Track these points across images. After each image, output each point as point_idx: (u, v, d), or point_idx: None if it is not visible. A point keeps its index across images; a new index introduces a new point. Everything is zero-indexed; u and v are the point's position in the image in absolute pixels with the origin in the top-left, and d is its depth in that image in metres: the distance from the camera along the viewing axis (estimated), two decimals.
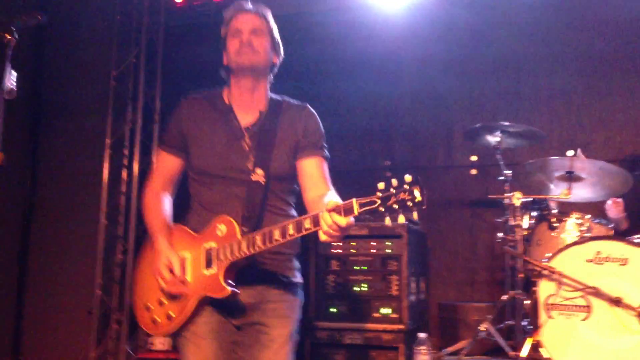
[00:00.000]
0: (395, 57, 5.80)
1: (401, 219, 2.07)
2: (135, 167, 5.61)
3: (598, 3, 5.40)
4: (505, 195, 4.31)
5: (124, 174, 5.63)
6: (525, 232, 4.26)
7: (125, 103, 5.70)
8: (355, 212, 2.07)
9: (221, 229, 2.39)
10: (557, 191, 4.26)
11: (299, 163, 2.57)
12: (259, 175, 2.47)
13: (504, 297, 4.25)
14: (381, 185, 2.06)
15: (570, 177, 4.17)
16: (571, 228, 4.21)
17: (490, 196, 4.49)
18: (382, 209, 2.04)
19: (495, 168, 4.49)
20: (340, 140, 5.72)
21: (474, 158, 4.66)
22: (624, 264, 3.57)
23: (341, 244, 4.76)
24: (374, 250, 4.76)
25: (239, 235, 2.34)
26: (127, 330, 5.37)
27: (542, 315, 3.68)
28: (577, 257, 3.68)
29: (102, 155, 5.60)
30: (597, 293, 3.56)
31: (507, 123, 4.41)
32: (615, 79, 5.41)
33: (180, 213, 2.64)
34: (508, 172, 4.38)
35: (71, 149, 5.83)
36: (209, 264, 2.39)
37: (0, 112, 2.23)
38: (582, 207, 4.43)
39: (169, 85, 5.80)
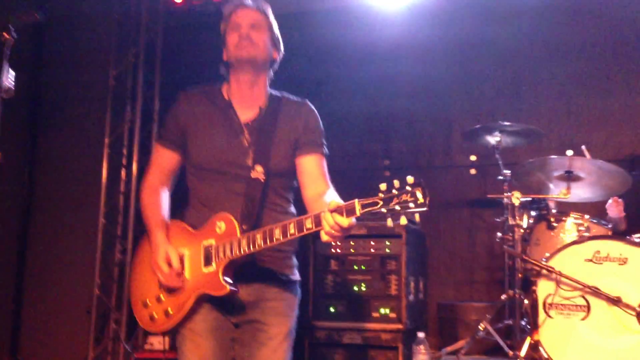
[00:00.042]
0: (395, 56, 5.80)
1: (403, 220, 2.07)
2: (134, 167, 5.60)
3: (598, 3, 5.40)
4: (504, 195, 4.30)
5: (123, 173, 5.63)
6: (524, 232, 4.26)
7: (124, 102, 5.69)
8: (358, 213, 2.07)
9: (220, 226, 2.38)
10: (556, 191, 4.26)
11: (298, 160, 2.56)
12: (258, 172, 2.46)
13: (503, 297, 4.24)
14: (383, 186, 2.05)
15: (569, 177, 4.17)
16: (570, 228, 4.21)
17: (489, 196, 4.49)
18: (384, 210, 2.04)
19: (495, 168, 4.49)
20: (340, 139, 5.72)
21: (473, 158, 4.65)
22: (623, 264, 3.57)
23: (340, 243, 4.76)
24: (373, 250, 4.76)
25: (238, 234, 2.33)
26: (126, 330, 5.36)
27: (541, 315, 3.68)
28: (576, 257, 3.68)
29: (101, 155, 5.59)
30: (596, 292, 3.56)
31: (506, 123, 4.40)
32: (615, 78, 5.41)
33: (178, 207, 2.63)
34: (507, 171, 4.38)
35: (70, 148, 5.82)
36: (207, 262, 2.38)
37: None
38: (581, 207, 4.43)
39: (168, 85, 5.80)
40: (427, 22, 5.64)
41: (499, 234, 4.38)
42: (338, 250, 4.82)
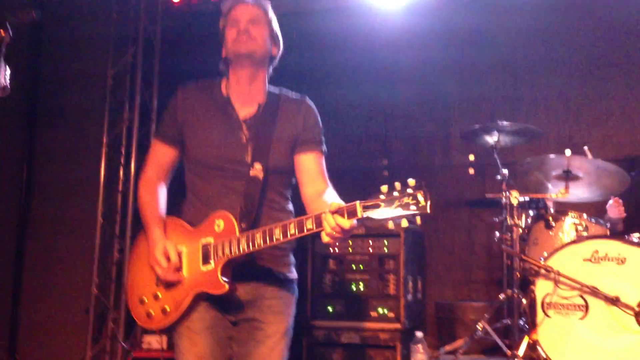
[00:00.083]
0: (394, 57, 5.79)
1: (404, 223, 2.08)
2: (132, 166, 5.59)
3: (596, 4, 5.40)
4: (503, 194, 4.30)
5: (121, 172, 5.62)
6: (522, 231, 4.26)
7: (122, 102, 5.68)
8: (359, 215, 2.07)
9: (219, 224, 2.37)
10: (555, 190, 4.26)
11: (297, 158, 2.55)
12: (257, 170, 2.45)
13: (501, 296, 4.24)
14: (384, 188, 2.05)
15: (568, 176, 4.17)
16: (568, 227, 4.21)
17: (487, 195, 4.49)
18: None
19: (493, 167, 4.48)
20: (338, 139, 5.69)
21: (471, 157, 4.65)
22: (621, 263, 3.56)
23: (338, 243, 4.75)
24: (371, 250, 4.76)
25: (237, 232, 2.32)
26: (124, 329, 5.36)
27: (539, 315, 3.68)
28: (574, 256, 3.68)
29: (99, 154, 5.58)
30: (594, 292, 3.56)
31: (505, 123, 4.40)
32: (613, 78, 5.41)
33: (173, 201, 2.62)
34: (505, 171, 4.38)
35: (68, 147, 5.81)
36: (206, 260, 2.37)
37: None
38: (579, 207, 4.43)
39: (166, 85, 5.79)
40: (426, 22, 5.63)
41: (497, 234, 4.39)
42: (336, 250, 4.82)
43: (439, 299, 5.42)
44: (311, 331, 4.76)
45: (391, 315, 4.64)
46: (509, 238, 4.22)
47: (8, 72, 2.12)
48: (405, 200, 2.01)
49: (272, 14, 2.60)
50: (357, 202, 2.07)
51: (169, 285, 2.44)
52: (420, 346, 3.91)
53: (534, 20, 5.45)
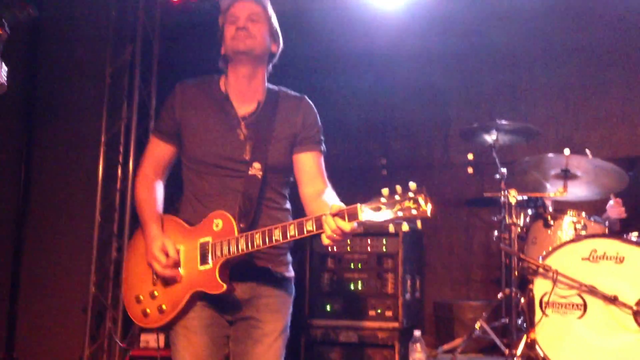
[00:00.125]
0: (392, 54, 5.79)
1: (405, 226, 2.08)
2: (131, 165, 5.58)
3: (595, 3, 5.40)
4: (501, 193, 4.30)
5: (119, 171, 5.61)
6: (520, 230, 4.25)
7: (120, 100, 5.67)
8: (360, 218, 2.07)
9: (218, 223, 2.36)
10: (553, 189, 4.26)
11: (295, 157, 2.54)
12: (256, 169, 2.44)
13: (500, 296, 4.24)
14: (385, 191, 2.05)
15: (566, 175, 4.17)
16: (567, 226, 4.20)
17: (486, 194, 4.49)
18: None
19: (492, 166, 4.48)
20: (337, 137, 5.71)
21: (470, 156, 4.65)
22: (619, 262, 3.56)
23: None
24: (370, 248, 4.75)
25: (236, 232, 2.31)
26: (122, 328, 5.35)
27: (538, 314, 3.68)
28: (572, 255, 3.68)
29: (97, 153, 5.57)
30: (592, 291, 3.56)
31: (503, 122, 4.40)
32: (613, 77, 5.42)
33: (170, 198, 2.61)
34: (504, 170, 4.38)
35: (66, 145, 5.79)
36: (204, 260, 2.35)
37: None
38: (577, 205, 4.43)
39: (164, 82, 5.78)
40: (426, 21, 5.63)
41: (496, 233, 4.39)
42: (335, 249, 4.81)
43: (438, 298, 5.42)
44: (309, 330, 4.75)
45: (389, 314, 4.63)
46: (507, 237, 4.23)
47: (5, 69, 2.11)
48: (406, 204, 2.00)
49: (271, 11, 2.57)
50: (358, 205, 2.07)
51: (166, 283, 2.43)
52: (418, 345, 3.90)
53: (533, 20, 5.46)
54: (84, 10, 5.78)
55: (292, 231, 2.19)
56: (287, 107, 2.56)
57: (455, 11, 5.56)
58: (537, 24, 5.49)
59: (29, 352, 5.64)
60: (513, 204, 4.18)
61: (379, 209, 2.04)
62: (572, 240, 3.81)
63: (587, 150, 4.28)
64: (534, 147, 5.03)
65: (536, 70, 5.61)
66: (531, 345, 3.68)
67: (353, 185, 5.75)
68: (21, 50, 5.80)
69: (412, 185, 2.02)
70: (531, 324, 3.69)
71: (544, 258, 3.75)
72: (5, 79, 2.11)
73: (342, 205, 2.12)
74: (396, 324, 4.60)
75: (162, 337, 4.62)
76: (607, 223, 4.25)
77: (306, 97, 2.63)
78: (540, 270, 3.71)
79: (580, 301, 3.60)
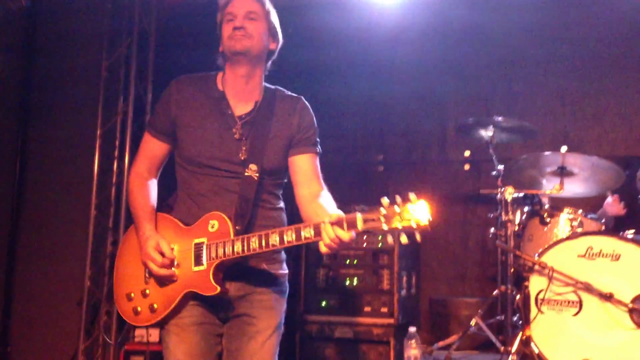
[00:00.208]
0: (390, 52, 5.78)
1: (404, 238, 2.09)
2: (126, 159, 5.55)
3: (593, 1, 5.39)
4: (498, 190, 4.29)
5: (115, 165, 5.59)
6: (517, 228, 4.25)
7: (116, 95, 5.64)
8: (359, 228, 2.06)
9: (213, 225, 2.34)
10: (549, 186, 4.25)
11: (291, 158, 2.52)
12: (252, 170, 2.42)
13: (495, 292, 4.24)
14: (385, 202, 2.05)
15: (562, 173, 4.16)
16: (563, 224, 4.21)
17: (482, 191, 4.48)
18: (385, 227, 2.04)
19: (488, 163, 4.48)
20: (334, 133, 5.70)
21: (467, 153, 4.65)
22: (615, 260, 3.57)
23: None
24: (366, 245, 4.75)
25: (232, 235, 2.29)
26: (117, 322, 5.34)
27: (533, 311, 3.68)
28: (568, 252, 3.68)
29: (93, 146, 5.55)
30: (588, 288, 3.56)
31: (500, 118, 4.39)
32: (610, 76, 5.42)
33: (162, 194, 2.58)
34: (501, 167, 4.37)
35: (61, 139, 5.77)
36: (198, 260, 2.34)
37: None
38: (574, 202, 4.43)
39: (160, 78, 5.75)
40: (422, 18, 5.62)
41: (492, 230, 4.38)
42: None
43: (433, 295, 5.42)
44: (305, 325, 4.75)
45: (385, 310, 4.63)
46: (503, 234, 4.22)
47: None
48: (406, 215, 2.01)
49: (270, 7, 2.53)
50: (358, 215, 2.07)
51: (160, 282, 2.41)
52: (413, 341, 3.90)
53: (531, 17, 5.45)
54: (80, 3, 5.75)
55: (290, 237, 2.19)
56: (284, 108, 2.54)
57: (452, 10, 5.55)
58: (535, 21, 5.48)
59: (24, 345, 5.63)
60: (509, 201, 4.17)
61: (378, 219, 2.04)
62: (568, 238, 3.82)
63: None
64: (531, 144, 5.02)
65: (533, 67, 5.60)
66: (526, 342, 3.67)
67: (350, 181, 5.75)
68: (17, 43, 5.77)
69: (413, 196, 2.02)
70: (527, 321, 3.69)
71: (540, 255, 3.75)
72: None
73: (341, 214, 2.11)
74: (391, 320, 4.59)
75: (154, 332, 4.63)
76: (603, 220, 4.26)
77: (303, 98, 2.60)
78: (536, 267, 3.71)
79: (575, 298, 3.60)
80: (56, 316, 5.58)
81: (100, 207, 5.51)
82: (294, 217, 2.48)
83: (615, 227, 4.43)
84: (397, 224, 2.02)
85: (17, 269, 5.77)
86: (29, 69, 5.91)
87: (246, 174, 2.42)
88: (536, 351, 3.62)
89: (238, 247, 2.26)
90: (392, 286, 4.66)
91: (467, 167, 4.80)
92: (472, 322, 4.16)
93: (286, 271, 2.58)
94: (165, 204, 2.58)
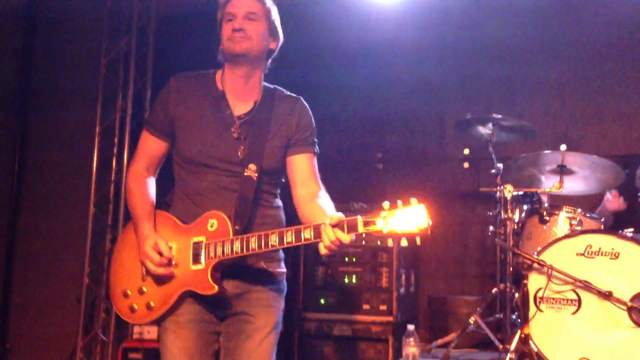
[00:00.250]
0: (388, 49, 5.77)
1: (403, 242, 2.08)
2: (125, 156, 5.56)
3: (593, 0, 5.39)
4: (497, 188, 4.28)
5: (114, 162, 5.59)
6: (516, 226, 4.24)
7: (115, 91, 5.64)
8: (359, 231, 2.07)
9: (213, 224, 2.34)
10: (549, 184, 4.25)
11: (289, 158, 2.52)
12: (251, 170, 2.41)
13: (494, 290, 4.23)
14: (386, 205, 2.05)
15: (562, 171, 4.16)
16: (562, 222, 4.20)
17: (481, 189, 4.48)
18: (385, 231, 2.05)
19: (488, 161, 4.47)
20: (333, 131, 5.70)
21: (466, 151, 4.64)
22: (614, 258, 3.56)
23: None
24: (364, 242, 4.74)
25: (231, 235, 2.29)
26: (115, 319, 5.34)
27: (532, 309, 3.67)
28: (567, 251, 3.67)
29: (92, 144, 5.54)
30: (587, 287, 3.55)
31: (499, 115, 4.38)
32: (610, 73, 5.41)
33: (159, 191, 2.58)
34: (500, 165, 4.36)
35: (60, 136, 5.78)
36: (196, 259, 2.33)
37: None
38: (573, 200, 4.42)
39: (160, 73, 5.74)
40: (423, 15, 5.61)
41: (491, 228, 4.38)
42: None
43: (432, 293, 5.42)
44: (303, 323, 4.75)
45: (383, 308, 4.63)
46: (502, 232, 4.21)
47: None
48: (407, 219, 2.01)
49: (271, 5, 2.51)
50: (359, 217, 2.07)
51: (156, 280, 2.40)
52: (412, 339, 3.89)
53: (531, 15, 5.44)
54: (79, 0, 5.74)
55: (289, 238, 2.19)
56: (283, 108, 2.53)
57: (451, 7, 5.54)
58: (534, 19, 5.47)
59: (22, 343, 5.64)
60: (508, 199, 4.16)
61: (379, 223, 2.04)
62: (567, 236, 3.81)
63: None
64: (530, 142, 5.02)
65: (533, 66, 5.59)
66: (525, 340, 3.66)
67: (349, 178, 5.74)
68: (16, 39, 5.77)
69: (414, 201, 2.03)
70: (525, 319, 3.68)
71: (539, 253, 3.74)
72: None
73: (341, 216, 2.11)
74: (390, 318, 4.59)
75: (152, 330, 4.63)
76: (602, 219, 4.25)
77: (302, 99, 2.60)
78: (535, 265, 3.71)
79: (574, 297, 3.59)
80: (55, 313, 5.58)
81: (99, 204, 5.51)
82: (293, 216, 2.48)
83: (614, 226, 4.43)
84: (398, 228, 2.02)
85: (16, 267, 5.78)
86: (28, 66, 5.91)
87: (245, 173, 2.41)
88: (535, 349, 3.61)
89: (237, 246, 2.25)
90: (390, 284, 4.66)
91: (466, 165, 4.79)
92: (471, 320, 4.15)
93: (284, 270, 2.57)
94: (162, 201, 2.57)
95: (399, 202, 2.04)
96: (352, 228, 2.08)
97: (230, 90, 2.50)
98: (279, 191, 2.59)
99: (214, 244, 2.30)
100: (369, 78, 5.83)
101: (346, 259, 4.78)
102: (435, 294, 5.36)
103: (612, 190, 4.55)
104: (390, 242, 2.12)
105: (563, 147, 4.06)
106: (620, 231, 3.78)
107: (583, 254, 3.62)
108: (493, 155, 4.42)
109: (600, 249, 3.59)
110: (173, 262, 2.36)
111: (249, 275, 2.43)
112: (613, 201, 4.45)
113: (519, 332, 3.73)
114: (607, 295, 3.50)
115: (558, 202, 4.41)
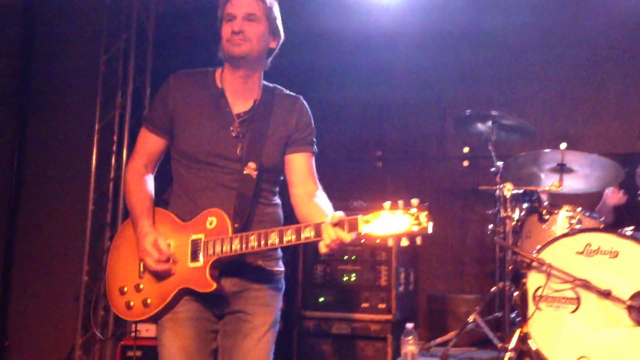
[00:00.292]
0: (388, 47, 5.77)
1: (404, 241, 2.08)
2: (124, 154, 5.55)
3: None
4: (496, 186, 4.28)
5: (113, 160, 5.58)
6: (515, 224, 4.24)
7: (114, 89, 5.63)
8: (360, 230, 2.07)
9: (212, 221, 2.33)
10: (549, 183, 4.24)
11: (287, 157, 2.52)
12: (251, 168, 2.41)
13: (493, 289, 4.23)
14: (387, 205, 2.05)
15: (562, 169, 4.15)
16: (562, 221, 4.19)
17: (481, 187, 4.47)
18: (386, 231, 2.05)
19: (487, 160, 4.47)
20: (333, 129, 5.69)
21: (466, 149, 4.63)
22: (614, 257, 3.55)
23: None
24: (363, 240, 4.72)
25: (230, 232, 2.28)
26: (114, 317, 5.34)
27: (531, 307, 3.66)
28: (566, 249, 3.66)
29: (91, 141, 5.54)
30: (586, 285, 3.54)
31: (498, 112, 4.37)
32: (610, 73, 5.41)
33: (157, 190, 2.57)
34: (499, 163, 4.36)
35: (59, 134, 5.77)
36: (194, 257, 2.32)
37: None
38: (573, 199, 4.42)
39: (159, 71, 5.74)
40: (422, 13, 5.60)
41: (491, 226, 4.37)
42: None
43: (431, 291, 5.42)
44: (302, 321, 4.74)
45: (382, 306, 4.62)
46: (502, 230, 4.20)
47: None
48: (407, 219, 2.01)
49: (271, 2, 2.49)
50: (359, 217, 2.07)
51: (154, 277, 2.39)
52: (411, 338, 3.88)
53: (530, 15, 5.44)
54: None
55: (289, 236, 2.19)
56: (283, 106, 2.53)
57: (452, 7, 5.53)
58: (535, 17, 5.47)
59: (22, 340, 5.64)
60: (508, 197, 4.16)
61: (379, 222, 2.04)
62: (567, 234, 3.80)
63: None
64: (530, 141, 5.01)
65: (533, 65, 5.59)
66: (524, 339, 3.66)
67: (348, 177, 5.74)
68: (15, 36, 5.76)
69: (414, 201, 2.03)
70: (524, 318, 3.68)
71: (538, 252, 3.74)
72: None
73: (342, 215, 2.11)
74: (389, 317, 4.59)
75: (151, 327, 4.62)
76: (602, 218, 4.25)
77: (301, 98, 2.60)
78: (534, 264, 3.70)
79: (573, 295, 3.59)
80: (54, 311, 5.58)
81: (98, 202, 5.51)
82: (293, 214, 2.48)
83: (615, 223, 4.42)
84: (399, 228, 2.02)
85: (15, 264, 5.78)
86: (27, 64, 5.90)
87: (245, 171, 2.41)
88: (534, 348, 3.61)
89: (236, 244, 2.25)
90: (389, 282, 4.66)
91: (465, 163, 4.78)
92: (470, 319, 4.15)
93: (282, 269, 2.57)
94: (160, 199, 2.56)
95: (400, 202, 2.04)
96: (352, 227, 2.08)
97: (229, 89, 2.49)
98: (277, 189, 2.58)
99: (212, 242, 2.29)
100: (368, 74, 5.83)
101: (345, 257, 4.77)
102: (435, 293, 5.36)
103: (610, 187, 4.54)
104: (390, 242, 2.11)
105: (563, 145, 4.05)
106: (619, 230, 3.78)
107: (582, 253, 3.61)
108: (493, 153, 4.42)
109: (599, 247, 3.58)
110: (171, 260, 2.36)
111: (247, 274, 2.42)
112: (613, 195, 4.45)
113: (518, 330, 3.73)
114: (606, 294, 3.49)
115: (558, 200, 4.40)
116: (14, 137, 5.82)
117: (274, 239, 2.20)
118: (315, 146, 2.57)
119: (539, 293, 3.65)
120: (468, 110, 4.49)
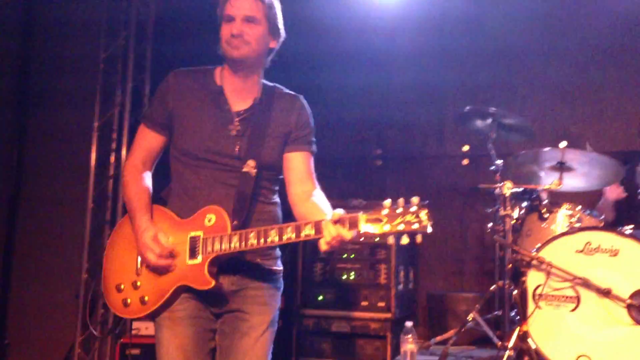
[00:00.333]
0: (389, 46, 5.77)
1: (404, 239, 2.07)
2: (124, 151, 5.55)
3: None
4: (496, 185, 4.27)
5: (112, 157, 5.58)
6: (515, 223, 4.23)
7: (114, 86, 5.63)
8: (360, 228, 2.07)
9: (210, 218, 2.33)
10: (548, 181, 4.24)
11: (286, 155, 2.51)
12: (250, 166, 2.40)
13: (493, 287, 4.22)
14: (387, 203, 2.05)
15: (562, 168, 4.15)
16: (561, 219, 4.19)
17: (480, 186, 4.46)
18: (386, 229, 2.04)
19: (487, 158, 4.46)
20: (332, 128, 5.68)
21: (465, 148, 4.62)
22: (614, 255, 3.55)
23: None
24: (363, 239, 4.73)
25: (229, 230, 2.28)
26: (113, 315, 5.33)
27: (530, 306, 3.66)
28: (566, 248, 3.66)
29: (90, 139, 5.53)
30: (586, 284, 3.54)
31: (497, 109, 4.36)
32: (610, 71, 5.41)
33: (155, 185, 2.56)
34: (499, 161, 4.35)
35: (59, 132, 5.76)
36: (193, 254, 2.32)
37: None
38: (573, 197, 4.41)
39: (158, 69, 5.73)
40: (423, 12, 5.60)
41: (490, 224, 4.37)
42: None
43: (431, 289, 5.42)
44: (301, 320, 4.74)
45: (382, 304, 4.62)
46: (501, 229, 4.20)
47: None
48: (408, 217, 2.01)
49: (270, 1, 2.47)
50: (360, 214, 2.07)
51: (152, 274, 2.38)
52: (410, 336, 3.88)
53: (530, 12, 5.44)
54: None
55: (289, 234, 2.18)
56: (282, 105, 2.53)
57: (452, 4, 5.52)
58: (535, 18, 5.47)
59: (21, 338, 5.63)
60: (508, 195, 4.15)
61: (380, 220, 2.04)
62: (566, 233, 3.80)
63: (588, 145, 4.26)
64: (530, 140, 5.00)
65: (533, 63, 5.59)
66: (523, 337, 3.66)
67: (348, 175, 5.74)
68: (14, 36, 5.75)
69: (415, 199, 2.03)
70: (524, 317, 3.68)
71: (537, 250, 3.73)
72: None
73: (342, 213, 2.11)
74: (388, 315, 4.59)
75: (150, 325, 4.61)
76: (602, 217, 4.24)
77: (301, 97, 2.59)
78: (534, 262, 3.70)
79: (573, 294, 3.59)
80: (53, 309, 5.58)
81: (97, 200, 5.50)
82: (291, 214, 2.48)
83: (615, 221, 4.42)
84: (399, 225, 2.02)
85: (15, 262, 5.77)
86: (26, 62, 5.89)
87: (244, 169, 2.40)
88: (533, 347, 3.61)
89: (235, 242, 2.25)
90: (389, 281, 4.66)
91: (465, 161, 4.77)
92: (470, 317, 4.14)
93: (281, 268, 2.56)
94: (158, 197, 2.55)
95: (400, 200, 2.04)
96: (353, 225, 2.07)
97: (229, 87, 2.49)
98: (277, 188, 2.58)
99: (211, 239, 2.29)
100: (368, 75, 5.83)
101: (344, 256, 4.77)
102: (434, 291, 5.35)
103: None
104: (391, 239, 2.11)
105: (563, 143, 4.05)
106: (619, 228, 3.77)
107: (582, 251, 3.61)
108: (492, 152, 4.41)
109: (599, 246, 3.58)
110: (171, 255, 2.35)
111: (245, 272, 2.42)
112: (612, 190, 4.45)
113: (517, 329, 3.73)
114: (606, 293, 3.49)
115: (557, 199, 4.40)
116: (13, 135, 5.82)
117: (273, 236, 2.20)
118: (314, 146, 2.57)
119: (538, 291, 3.65)
120: (468, 107, 4.49)
